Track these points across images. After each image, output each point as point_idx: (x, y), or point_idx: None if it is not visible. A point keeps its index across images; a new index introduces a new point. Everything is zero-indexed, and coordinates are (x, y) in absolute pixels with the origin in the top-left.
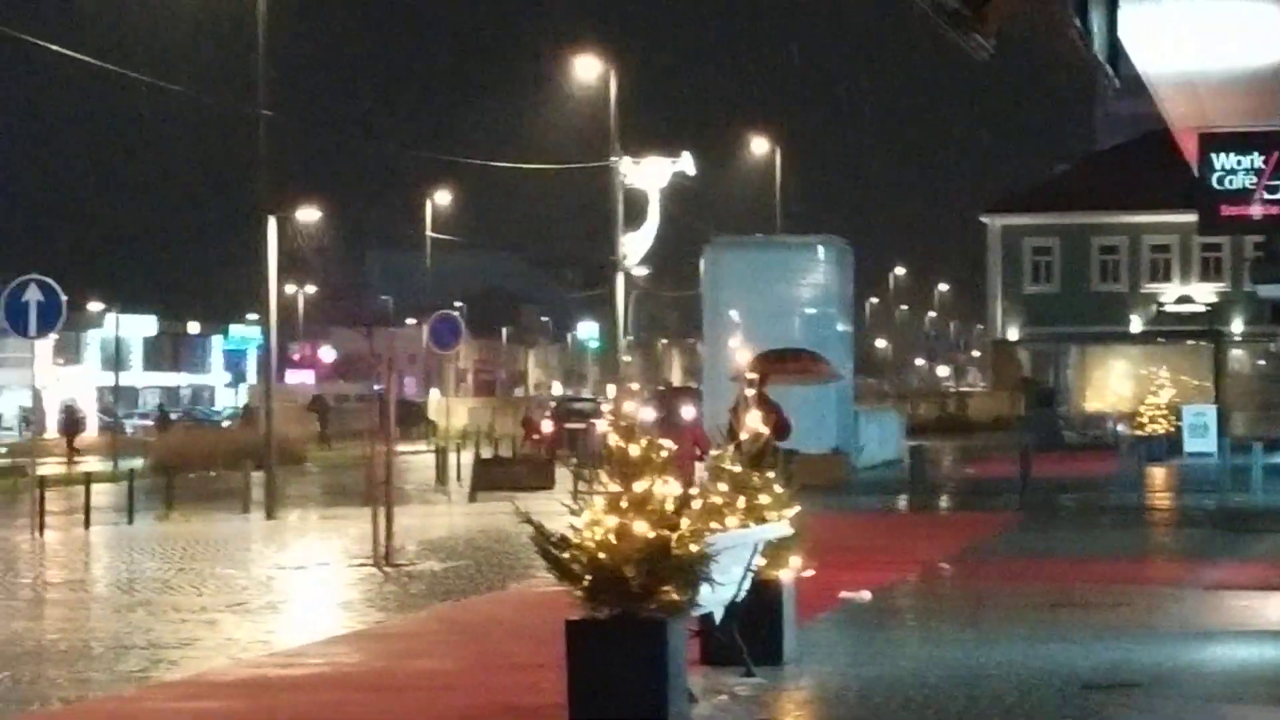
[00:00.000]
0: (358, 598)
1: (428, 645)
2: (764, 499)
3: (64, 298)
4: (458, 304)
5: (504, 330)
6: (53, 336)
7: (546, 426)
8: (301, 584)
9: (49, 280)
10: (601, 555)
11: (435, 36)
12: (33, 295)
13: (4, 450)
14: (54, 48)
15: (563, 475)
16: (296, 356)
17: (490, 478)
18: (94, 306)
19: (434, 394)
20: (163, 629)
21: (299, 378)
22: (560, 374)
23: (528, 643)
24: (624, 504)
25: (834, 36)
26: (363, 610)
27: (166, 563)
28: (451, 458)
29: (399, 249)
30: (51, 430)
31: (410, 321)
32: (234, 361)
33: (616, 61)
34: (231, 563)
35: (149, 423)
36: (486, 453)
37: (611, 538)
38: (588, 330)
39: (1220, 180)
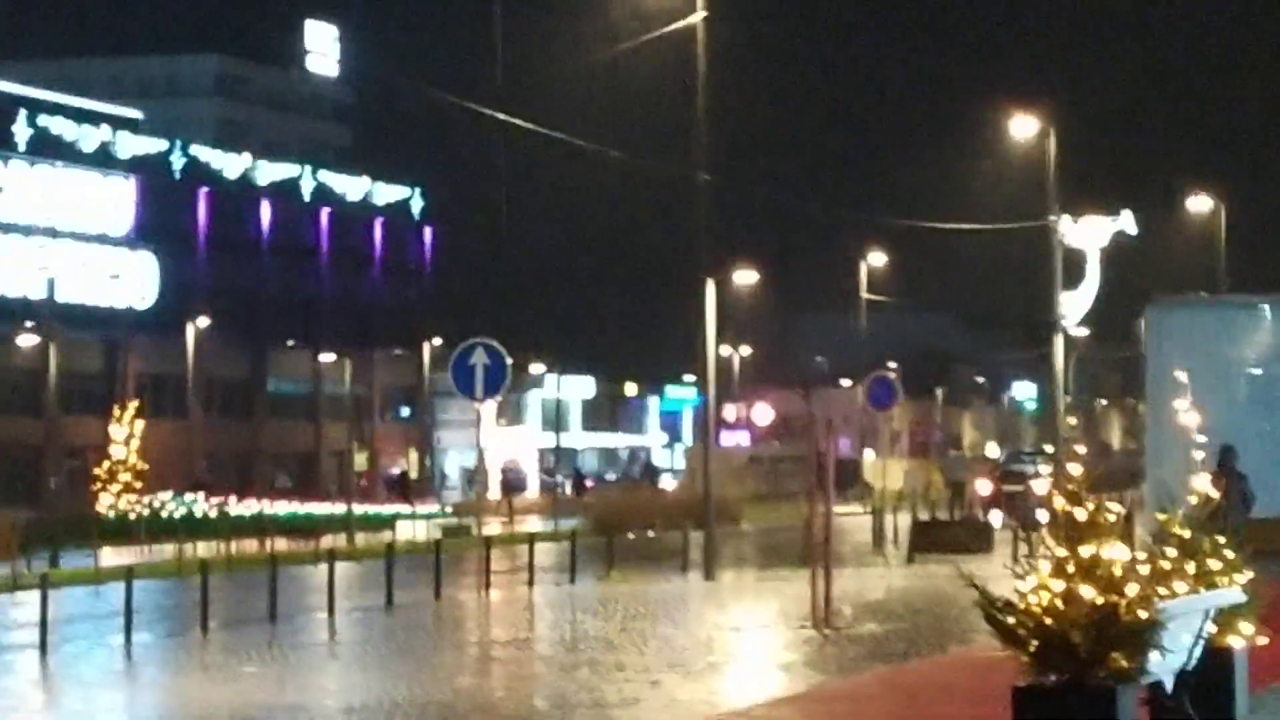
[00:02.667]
0: (798, 659)
1: (870, 708)
2: (1214, 564)
3: (509, 361)
4: (892, 364)
5: (938, 391)
6: (497, 399)
7: (985, 488)
8: (741, 645)
9: (495, 344)
10: (1048, 620)
11: (869, 97)
12: (479, 359)
13: (449, 510)
14: (499, 115)
15: (1001, 537)
16: (731, 417)
17: (928, 539)
18: (535, 369)
19: (868, 455)
20: (607, 688)
21: (734, 438)
22: (995, 435)
23: (969, 706)
24: (1070, 568)
25: None
26: (803, 672)
27: (608, 622)
28: (888, 519)
29: (833, 310)
30: (494, 491)
31: (845, 382)
32: (670, 422)
33: (1055, 118)
34: (672, 623)
35: (589, 484)
36: (923, 514)
37: (1058, 602)
38: (1024, 391)
39: None
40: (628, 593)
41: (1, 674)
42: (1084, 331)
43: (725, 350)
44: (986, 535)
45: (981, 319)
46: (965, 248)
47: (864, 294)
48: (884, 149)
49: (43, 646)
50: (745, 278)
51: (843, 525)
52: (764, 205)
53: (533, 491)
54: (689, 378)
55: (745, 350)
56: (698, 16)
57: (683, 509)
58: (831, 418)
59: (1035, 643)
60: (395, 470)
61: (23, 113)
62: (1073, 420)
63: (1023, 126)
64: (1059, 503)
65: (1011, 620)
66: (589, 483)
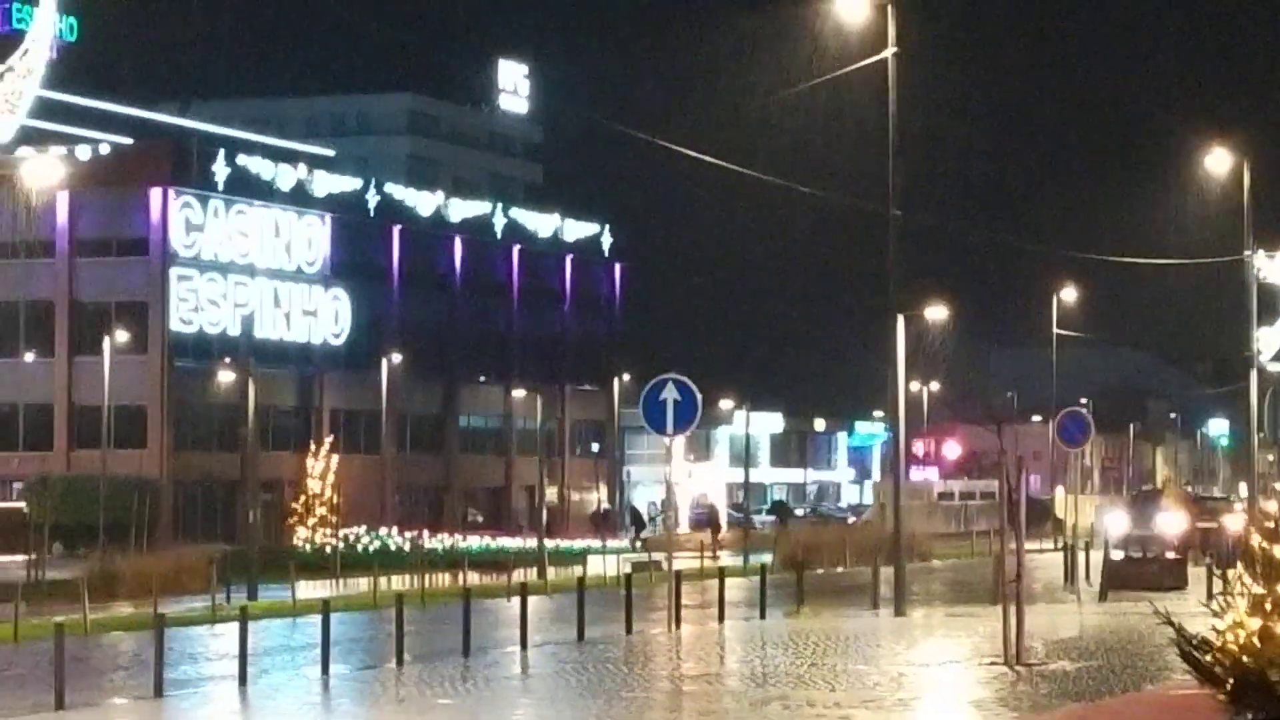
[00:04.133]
0: (989, 696)
1: None
2: None
3: (699, 396)
4: (1083, 400)
5: (1131, 426)
6: (686, 434)
7: (1178, 525)
8: (933, 681)
9: (685, 379)
10: (1245, 659)
11: (1061, 131)
12: (670, 394)
13: (639, 546)
14: (688, 152)
15: (1195, 574)
16: (920, 453)
17: (1121, 576)
18: (725, 404)
19: (1059, 491)
20: None
21: (923, 474)
22: (1189, 471)
23: None
24: (1268, 605)
25: None
26: (995, 709)
27: (798, 658)
28: (1080, 556)
29: (1023, 345)
30: (684, 526)
31: (1035, 418)
32: (859, 458)
33: (1251, 150)
34: (863, 659)
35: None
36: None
37: (1255, 640)
38: (1218, 427)
39: None
40: (818, 628)
41: (202, 704)
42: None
43: (915, 385)
44: (1181, 572)
45: (1176, 354)
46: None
47: (1055, 329)
48: (1077, 183)
49: (242, 677)
50: (936, 313)
51: (1035, 561)
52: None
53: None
54: (878, 413)
55: (935, 385)
56: (888, 52)
57: (872, 545)
58: (1022, 454)
59: (1231, 681)
60: (604, 506)
61: (221, 152)
62: (1270, 456)
63: (1218, 159)
64: (1255, 540)
65: (1207, 658)
66: (799, 512)
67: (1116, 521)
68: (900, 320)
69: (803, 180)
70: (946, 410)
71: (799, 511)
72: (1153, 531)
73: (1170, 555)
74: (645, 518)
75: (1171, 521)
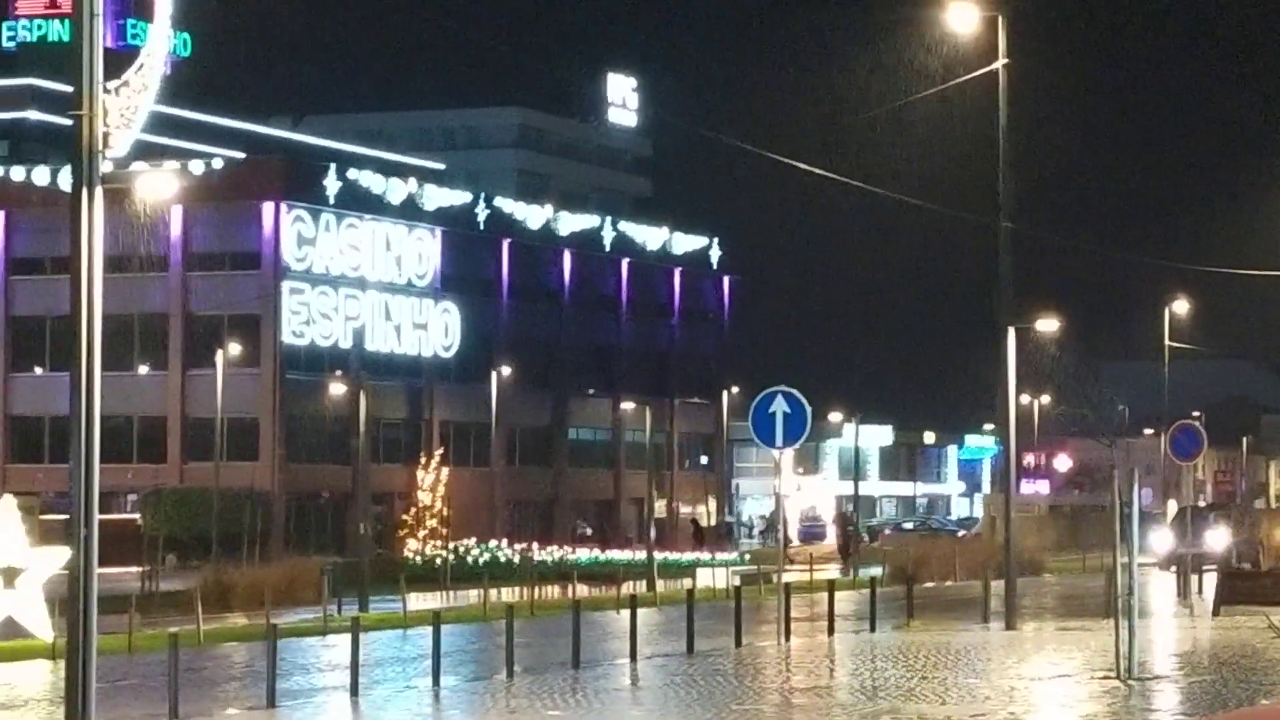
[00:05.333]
0: (1101, 710)
1: None
2: None
3: (809, 409)
4: (1196, 413)
5: (1244, 439)
6: (795, 447)
7: None
8: (1044, 695)
9: (795, 392)
10: None
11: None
12: (779, 407)
13: (748, 557)
14: (797, 164)
15: None
16: (1031, 466)
17: (1236, 591)
18: (833, 417)
19: (1171, 505)
20: None
21: (1033, 487)
22: None
23: None
24: None
25: None
26: None
27: (909, 670)
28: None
29: (1135, 358)
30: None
31: (1147, 431)
32: (969, 471)
33: None
34: (973, 672)
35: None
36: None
37: None
38: None
39: None
40: (928, 641)
41: (314, 715)
42: None
43: (1025, 398)
44: None
45: None
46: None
47: (1167, 341)
48: (1188, 194)
49: (354, 688)
50: (1046, 325)
51: (1148, 575)
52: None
53: (830, 540)
54: (988, 426)
55: (1045, 398)
56: (999, 63)
57: (982, 558)
58: (1134, 467)
59: None
60: (729, 518)
61: (333, 166)
62: None
63: None
64: None
65: None
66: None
67: (1163, 539)
68: (1011, 333)
69: (912, 192)
70: (1057, 423)
71: (907, 525)
72: (1202, 549)
73: None
74: (739, 529)
75: (1219, 538)
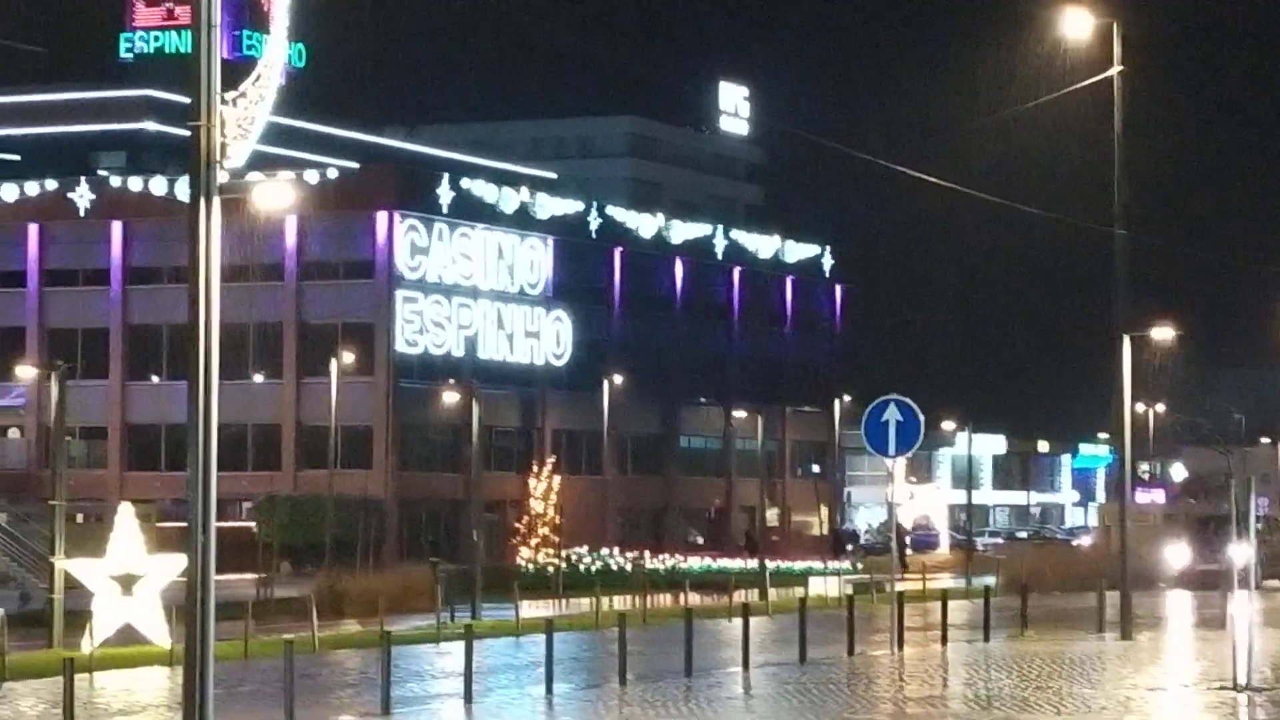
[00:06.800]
0: None
1: None
2: None
3: (922, 417)
4: None
5: None
6: (909, 455)
7: None
8: (1158, 705)
9: (908, 400)
10: None
11: None
12: (892, 415)
13: (860, 566)
14: (909, 171)
15: None
16: (1146, 475)
17: None
18: (946, 425)
19: None
20: None
21: (1148, 496)
22: None
23: None
24: None
25: None
26: None
27: (1023, 680)
28: None
29: (1251, 366)
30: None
31: (1264, 440)
32: (1083, 480)
33: None
34: (1088, 682)
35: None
36: None
37: None
38: None
39: None
40: (1042, 651)
41: None
42: None
43: (1140, 406)
44: None
45: None
46: None
47: None
48: None
49: (467, 695)
50: (1162, 333)
51: (1266, 585)
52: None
53: (944, 549)
54: (1102, 435)
55: (1160, 407)
56: (1114, 70)
57: (1097, 568)
58: (1251, 475)
59: None
60: (847, 526)
61: (446, 176)
62: None
63: None
64: None
65: None
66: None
67: (1178, 554)
68: (1126, 341)
69: (1026, 199)
70: (1173, 432)
71: (1020, 534)
72: (1221, 565)
73: None
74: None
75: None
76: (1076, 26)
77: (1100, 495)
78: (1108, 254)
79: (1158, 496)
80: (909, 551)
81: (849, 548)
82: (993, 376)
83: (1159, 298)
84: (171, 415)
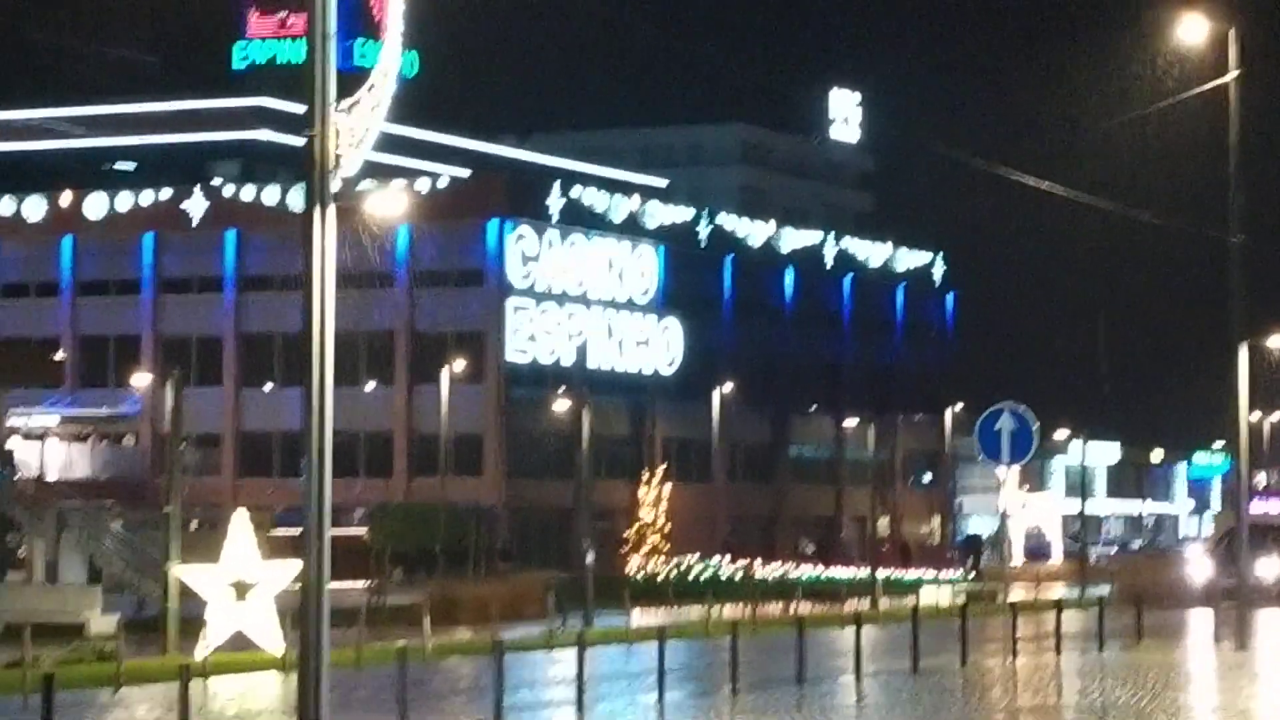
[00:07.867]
0: None
1: None
2: None
3: (1035, 425)
4: None
5: None
6: (1022, 464)
7: None
8: (1277, 718)
9: (1021, 409)
10: None
11: None
12: (1005, 423)
13: (971, 576)
14: (1023, 178)
15: None
16: (1262, 484)
17: None
18: (1059, 434)
19: None
20: None
21: (1264, 506)
22: None
23: None
24: None
25: None
26: None
27: (1139, 691)
28: None
29: None
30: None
31: None
32: (1198, 489)
33: None
34: (1205, 693)
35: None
36: None
37: None
38: None
39: None
40: (1158, 662)
41: None
42: None
43: (1256, 415)
44: None
45: None
46: None
47: None
48: None
49: (579, 703)
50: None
51: None
52: None
53: (1058, 558)
54: (1218, 444)
55: (1277, 415)
56: (1230, 75)
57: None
58: None
59: None
60: (970, 532)
61: (556, 184)
62: None
63: None
64: None
65: None
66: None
67: (1200, 567)
68: (1243, 349)
69: (1142, 205)
70: None
71: (1135, 544)
72: (1249, 580)
73: None
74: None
75: (1272, 566)
76: (1192, 32)
77: (1215, 505)
78: (1224, 261)
79: (1273, 507)
80: (997, 562)
81: (969, 559)
82: (1107, 384)
83: (1277, 305)
84: (285, 422)
